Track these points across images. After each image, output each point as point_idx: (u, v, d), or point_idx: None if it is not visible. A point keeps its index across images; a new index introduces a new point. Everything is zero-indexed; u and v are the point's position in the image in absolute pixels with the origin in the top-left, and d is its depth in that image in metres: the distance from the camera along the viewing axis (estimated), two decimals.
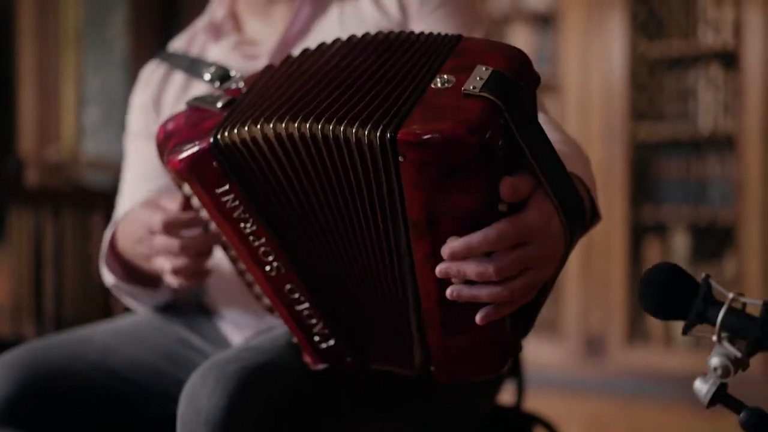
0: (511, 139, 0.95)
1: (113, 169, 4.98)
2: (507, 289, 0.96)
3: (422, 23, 1.38)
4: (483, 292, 0.97)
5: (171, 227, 1.21)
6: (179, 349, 1.42)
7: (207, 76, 1.30)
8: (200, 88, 1.44)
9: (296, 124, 0.99)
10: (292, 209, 1.06)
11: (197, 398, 1.07)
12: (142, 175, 1.51)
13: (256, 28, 1.50)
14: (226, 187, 1.06)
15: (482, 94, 0.94)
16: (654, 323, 3.71)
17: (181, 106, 1.40)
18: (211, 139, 1.04)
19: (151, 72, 1.54)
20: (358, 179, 0.99)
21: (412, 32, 1.09)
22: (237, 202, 1.07)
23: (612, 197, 3.73)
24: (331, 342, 1.16)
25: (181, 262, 1.21)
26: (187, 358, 1.40)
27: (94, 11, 5.09)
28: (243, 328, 1.42)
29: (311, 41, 1.39)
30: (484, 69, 0.97)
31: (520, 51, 1.03)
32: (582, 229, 1.09)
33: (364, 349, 1.17)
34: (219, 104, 1.11)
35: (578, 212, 1.01)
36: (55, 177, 4.32)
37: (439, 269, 0.97)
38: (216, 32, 1.51)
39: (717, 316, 0.78)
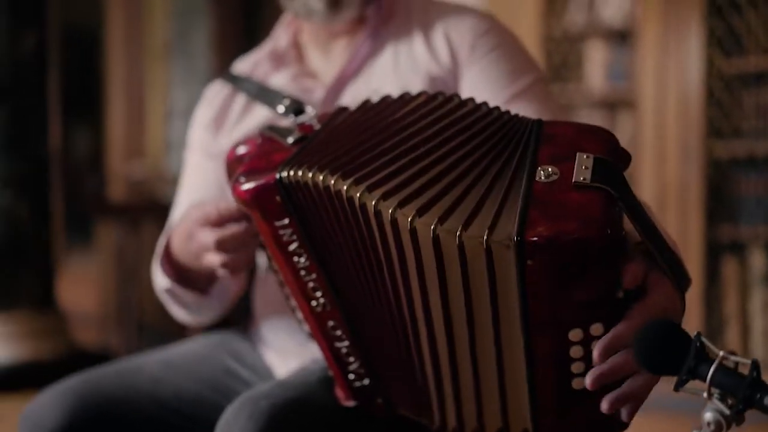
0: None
1: None
2: (642, 377, 0.96)
3: (473, 69, 1.41)
4: (626, 387, 0.96)
5: (220, 221, 1.24)
6: (225, 379, 1.46)
7: (281, 108, 1.36)
8: (261, 113, 1.49)
9: (373, 202, 0.99)
10: (350, 268, 1.09)
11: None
12: (197, 190, 1.57)
13: (317, 61, 1.54)
14: (286, 221, 1.10)
15: (595, 184, 0.93)
16: (728, 341, 3.66)
17: (244, 129, 1.44)
18: (277, 175, 1.07)
19: (216, 92, 1.59)
20: (455, 279, 0.97)
21: (493, 109, 1.10)
22: (294, 237, 1.10)
23: (688, 215, 3.68)
24: (366, 381, 1.18)
25: (229, 255, 1.25)
26: (232, 389, 1.45)
27: (180, 26, 5.22)
28: (288, 357, 1.46)
29: (365, 80, 1.45)
30: (585, 157, 0.96)
31: (608, 132, 1.03)
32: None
33: (395, 394, 1.19)
34: (290, 140, 1.15)
35: (687, 283, 1.01)
36: (140, 192, 4.45)
37: (593, 377, 0.95)
38: (278, 61, 1.55)
39: (708, 373, 0.80)
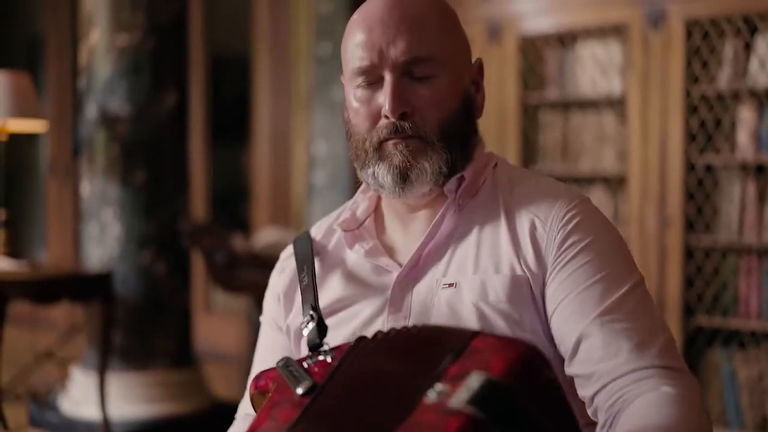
0: None
1: None
2: None
3: (562, 274, 1.28)
4: None
5: None
6: None
7: (305, 331, 1.29)
8: (331, 291, 1.41)
9: None
10: None
11: None
12: (267, 363, 1.50)
13: (396, 234, 1.44)
14: None
15: (464, 409, 0.93)
16: None
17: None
18: None
19: (288, 256, 1.52)
20: None
21: (438, 329, 1.09)
22: None
23: None
24: None
25: None
26: None
27: (322, 74, 5.21)
28: None
29: (443, 268, 1.34)
30: (476, 377, 0.95)
31: (531, 349, 0.99)
32: None
33: None
34: (300, 390, 1.13)
35: None
36: (274, 253, 4.44)
37: None
38: (352, 237, 1.44)
39: None
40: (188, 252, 4.42)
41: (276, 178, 5.87)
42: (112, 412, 4.03)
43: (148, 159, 4.24)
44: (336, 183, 5.12)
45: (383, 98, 1.33)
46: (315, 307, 1.34)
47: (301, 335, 1.35)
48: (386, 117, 1.33)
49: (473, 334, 1.05)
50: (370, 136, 1.35)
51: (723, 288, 3.73)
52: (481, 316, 1.28)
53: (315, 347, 1.25)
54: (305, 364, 1.19)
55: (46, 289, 3.79)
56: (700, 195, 3.77)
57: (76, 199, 6.19)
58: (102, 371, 3.92)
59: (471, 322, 1.28)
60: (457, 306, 1.30)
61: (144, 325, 4.25)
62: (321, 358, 1.19)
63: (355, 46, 1.35)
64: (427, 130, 1.33)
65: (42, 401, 4.47)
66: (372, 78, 1.34)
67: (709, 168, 3.78)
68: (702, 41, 3.76)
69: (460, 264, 1.33)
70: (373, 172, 1.35)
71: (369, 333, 1.32)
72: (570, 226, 1.30)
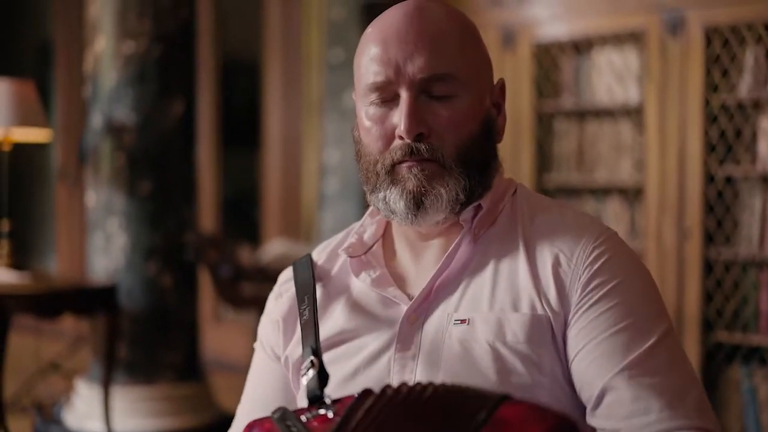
0: None
1: None
2: None
3: (586, 317, 1.18)
4: None
5: None
6: None
7: (304, 380, 1.20)
8: (334, 322, 1.31)
9: None
10: None
11: None
12: (259, 390, 1.42)
13: (406, 262, 1.33)
14: None
15: None
16: None
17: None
18: None
19: (286, 280, 1.42)
20: None
21: (460, 388, 0.98)
22: None
23: None
24: None
25: None
26: None
27: (334, 80, 5.13)
28: None
29: (455, 303, 1.24)
30: None
31: (564, 421, 0.91)
32: None
33: None
34: None
35: None
36: (282, 264, 4.36)
37: None
38: (359, 263, 1.34)
39: None
40: (195, 264, 4.34)
41: (287, 186, 5.79)
42: (116, 427, 3.96)
43: (155, 169, 4.16)
44: (348, 192, 5.03)
45: (398, 117, 1.23)
46: (316, 351, 1.24)
47: (301, 369, 1.25)
48: (401, 138, 1.23)
49: (498, 401, 0.95)
50: (382, 158, 1.25)
51: (743, 303, 3.63)
52: (497, 357, 1.18)
53: (315, 399, 1.16)
54: (303, 418, 1.09)
55: (49, 303, 3.72)
56: (719, 207, 3.66)
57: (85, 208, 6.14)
58: (106, 385, 3.84)
59: (486, 363, 1.18)
60: (470, 345, 1.20)
61: (150, 338, 4.17)
62: (321, 412, 1.09)
63: (370, 60, 1.25)
64: (445, 154, 1.23)
65: (47, 414, 4.40)
66: (387, 95, 1.24)
67: (729, 179, 3.68)
68: (722, 49, 3.65)
69: (474, 299, 1.23)
70: (384, 197, 1.25)
71: (373, 370, 1.24)
72: (597, 264, 1.20)
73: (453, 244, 1.26)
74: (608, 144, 4.04)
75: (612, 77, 3.99)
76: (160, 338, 4.19)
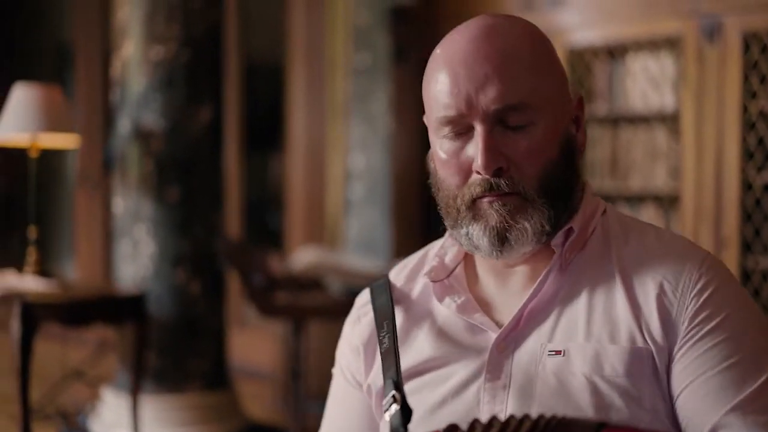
0: None
1: (375, 251, 4.95)
2: None
3: (693, 353, 1.13)
4: None
5: None
6: None
7: (387, 415, 1.17)
8: (418, 349, 1.26)
9: None
10: None
11: None
12: (339, 421, 1.37)
13: (491, 288, 1.28)
14: None
15: None
16: None
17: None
18: None
19: (364, 304, 1.37)
20: None
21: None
22: None
23: None
24: None
25: None
26: None
27: (360, 85, 5.09)
28: None
29: (547, 332, 1.18)
30: None
31: None
32: None
33: None
34: None
35: None
36: (311, 275, 4.32)
37: None
38: (442, 288, 1.28)
39: None
40: (223, 271, 4.30)
41: (311, 191, 5.74)
42: None
43: (183, 175, 4.12)
44: (373, 198, 4.98)
45: (473, 150, 1.17)
46: (398, 385, 1.19)
47: (383, 395, 1.21)
48: (478, 173, 1.17)
49: (597, 427, 0.91)
50: (461, 192, 1.20)
51: None
52: (595, 391, 1.13)
53: None
54: None
55: (78, 312, 3.66)
56: (757, 215, 3.61)
57: (106, 213, 6.09)
58: (135, 393, 3.79)
59: (583, 396, 1.13)
60: (566, 378, 1.15)
61: (178, 346, 4.13)
62: None
63: (439, 91, 1.19)
64: (526, 186, 1.17)
65: (71, 422, 4.35)
66: (460, 128, 1.18)
67: (767, 187, 3.62)
68: (760, 55, 3.60)
69: (569, 329, 1.17)
70: (467, 233, 1.20)
71: (462, 399, 1.19)
72: (704, 295, 1.14)
73: (544, 271, 1.21)
74: (643, 151, 3.99)
75: (647, 83, 3.93)
76: (188, 346, 4.14)
